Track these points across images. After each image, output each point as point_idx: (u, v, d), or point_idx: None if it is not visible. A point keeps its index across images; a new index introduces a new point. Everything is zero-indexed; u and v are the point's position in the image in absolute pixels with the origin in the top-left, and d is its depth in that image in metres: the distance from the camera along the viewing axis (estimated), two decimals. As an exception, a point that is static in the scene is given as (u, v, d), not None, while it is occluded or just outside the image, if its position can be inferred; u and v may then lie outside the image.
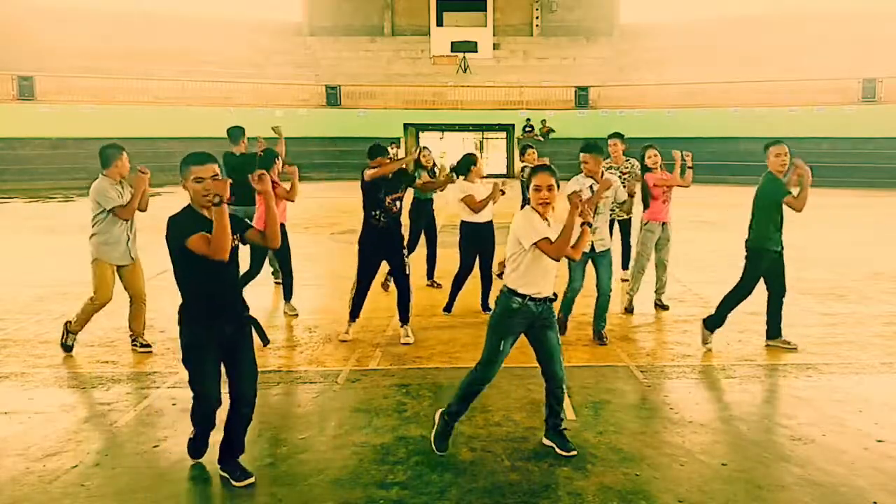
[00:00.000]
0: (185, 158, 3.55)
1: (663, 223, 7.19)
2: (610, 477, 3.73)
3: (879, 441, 4.16)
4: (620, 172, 7.91)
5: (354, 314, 6.30)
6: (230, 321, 3.61)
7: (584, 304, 6.39)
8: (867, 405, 4.71)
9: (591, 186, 5.81)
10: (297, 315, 7.12)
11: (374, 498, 3.52)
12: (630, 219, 8.46)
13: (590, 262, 6.03)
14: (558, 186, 3.87)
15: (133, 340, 5.94)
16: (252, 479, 3.67)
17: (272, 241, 3.70)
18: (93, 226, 5.69)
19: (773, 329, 5.96)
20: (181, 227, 3.48)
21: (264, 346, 3.77)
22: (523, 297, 3.86)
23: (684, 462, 3.92)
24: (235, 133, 8.34)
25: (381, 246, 6.15)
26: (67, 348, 5.87)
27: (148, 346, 5.89)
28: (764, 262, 5.80)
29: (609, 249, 6.08)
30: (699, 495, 3.55)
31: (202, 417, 3.76)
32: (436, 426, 4.03)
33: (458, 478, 3.72)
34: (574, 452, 3.96)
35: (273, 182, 6.89)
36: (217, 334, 3.56)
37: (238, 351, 3.63)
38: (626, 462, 3.91)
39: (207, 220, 3.45)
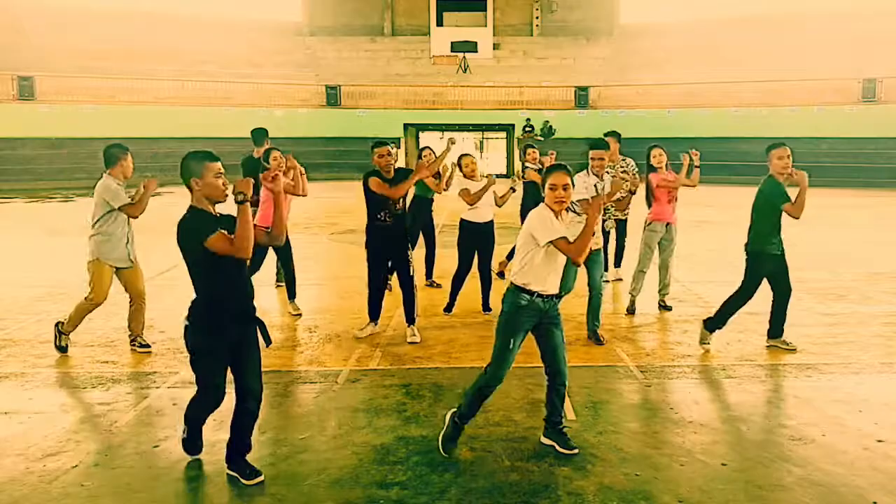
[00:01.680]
0: (196, 155, 3.55)
1: (667, 224, 7.14)
2: (610, 477, 3.73)
3: (879, 441, 4.15)
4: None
5: (373, 315, 6.38)
6: (242, 322, 3.63)
7: (583, 304, 6.39)
8: (867, 405, 4.71)
9: (595, 185, 5.84)
10: (300, 315, 7.12)
11: (374, 498, 3.52)
12: (626, 219, 8.44)
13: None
14: (573, 185, 3.89)
15: (132, 340, 5.94)
16: (261, 478, 3.69)
17: (278, 239, 3.81)
18: (94, 225, 5.67)
19: (775, 329, 5.95)
20: (196, 229, 3.46)
21: (267, 346, 3.79)
22: (531, 293, 3.86)
23: (684, 462, 3.92)
24: (259, 135, 8.18)
25: (387, 246, 6.19)
26: (62, 349, 5.85)
27: (147, 346, 5.89)
28: (764, 266, 5.77)
29: (601, 249, 6.07)
30: (699, 495, 3.55)
31: (206, 406, 3.76)
32: (445, 428, 4.03)
33: (458, 478, 3.72)
34: (576, 451, 3.96)
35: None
36: (229, 337, 3.58)
37: (245, 348, 3.65)
38: (626, 462, 3.91)
39: (217, 219, 3.50)
